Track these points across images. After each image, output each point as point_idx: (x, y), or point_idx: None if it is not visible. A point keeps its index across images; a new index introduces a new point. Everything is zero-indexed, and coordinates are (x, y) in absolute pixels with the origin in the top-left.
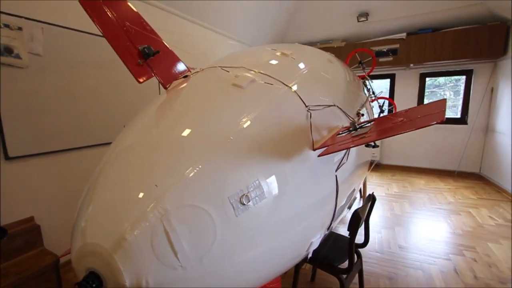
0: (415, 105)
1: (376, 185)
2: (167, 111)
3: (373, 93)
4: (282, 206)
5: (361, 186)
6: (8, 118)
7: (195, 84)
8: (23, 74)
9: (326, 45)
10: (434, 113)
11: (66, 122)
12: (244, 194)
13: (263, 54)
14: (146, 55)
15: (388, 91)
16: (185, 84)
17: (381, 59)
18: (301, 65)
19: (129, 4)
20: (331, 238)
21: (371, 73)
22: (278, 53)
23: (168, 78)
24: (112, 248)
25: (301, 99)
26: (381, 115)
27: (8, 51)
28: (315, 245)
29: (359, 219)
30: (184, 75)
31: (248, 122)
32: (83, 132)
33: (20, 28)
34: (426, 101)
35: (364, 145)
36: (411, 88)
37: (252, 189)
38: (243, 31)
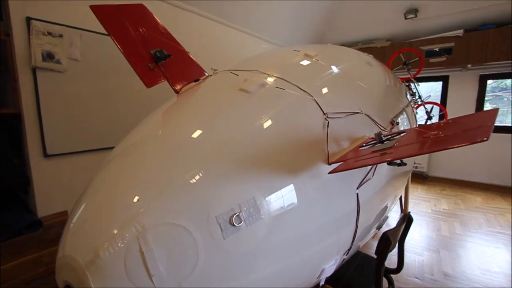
0: (473, 111)
1: (421, 199)
2: (167, 118)
3: (420, 97)
4: (283, 228)
5: (398, 199)
6: (47, 118)
7: (202, 89)
8: (62, 78)
9: (368, 46)
10: (478, 128)
11: (100, 123)
12: (235, 214)
13: (284, 56)
14: (157, 58)
15: (440, 95)
16: (192, 90)
17: (432, 60)
18: (326, 68)
19: (145, 7)
20: (357, 259)
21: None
22: (301, 55)
23: (180, 82)
24: (86, 264)
25: (319, 106)
26: (428, 122)
27: (50, 56)
28: (328, 272)
29: (388, 243)
30: (195, 79)
31: (249, 132)
32: (115, 133)
33: (61, 35)
34: (488, 107)
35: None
36: (468, 92)
37: (245, 208)
38: (278, 32)
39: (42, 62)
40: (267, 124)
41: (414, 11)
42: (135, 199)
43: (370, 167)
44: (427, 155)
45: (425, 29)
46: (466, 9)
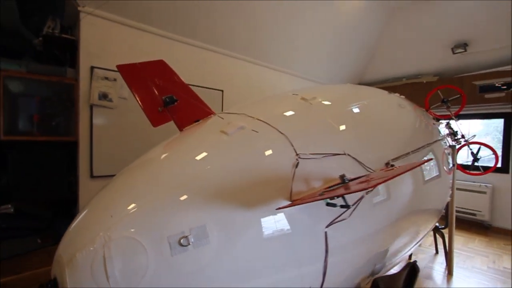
0: None
1: (477, 253)
2: (158, 152)
3: (463, 136)
4: (232, 255)
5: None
6: (97, 146)
7: (194, 129)
8: (112, 113)
9: (413, 81)
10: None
11: (139, 151)
12: (184, 236)
13: (280, 100)
14: (166, 103)
15: (502, 134)
16: (189, 129)
17: (487, 95)
18: (318, 111)
19: (164, 62)
20: None
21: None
22: (297, 98)
23: (186, 123)
24: (67, 262)
25: (293, 147)
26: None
27: (104, 96)
28: None
29: None
30: (196, 120)
31: (215, 168)
32: None
33: (115, 79)
34: None
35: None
36: None
37: (195, 232)
38: (316, 70)
39: (98, 100)
40: (234, 161)
41: (463, 45)
42: (110, 216)
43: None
44: (488, 201)
45: (478, 63)
46: None
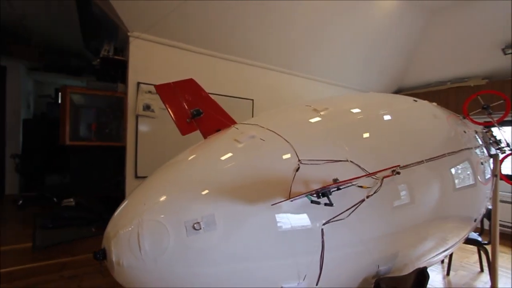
0: None
1: None
2: (185, 155)
3: (508, 145)
4: (233, 240)
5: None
6: (141, 150)
7: (214, 138)
8: (154, 122)
9: (459, 84)
10: None
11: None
12: (197, 222)
13: (292, 112)
14: (193, 115)
15: None
16: (211, 137)
17: None
18: (327, 122)
19: (194, 80)
20: None
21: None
22: (309, 110)
23: (210, 132)
24: (112, 236)
25: (296, 153)
26: None
27: (148, 107)
28: None
29: None
30: (217, 130)
31: (224, 169)
32: None
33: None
34: None
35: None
36: None
37: (205, 220)
38: (350, 77)
39: (142, 111)
40: (242, 165)
41: None
42: (144, 204)
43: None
44: None
45: None
46: None
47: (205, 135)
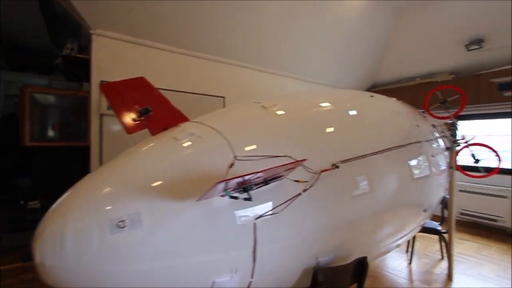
0: None
1: (489, 260)
2: (120, 156)
3: (463, 138)
4: (159, 236)
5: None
6: (106, 149)
7: (158, 136)
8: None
9: (428, 80)
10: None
11: None
12: (122, 220)
13: (240, 109)
14: (141, 114)
15: None
16: (156, 135)
17: (506, 93)
18: (273, 117)
19: (145, 78)
20: None
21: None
22: (257, 107)
23: (158, 131)
24: (38, 237)
25: (232, 150)
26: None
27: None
28: (223, 285)
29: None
30: (164, 128)
31: (156, 167)
32: None
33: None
34: None
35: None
36: None
37: (131, 217)
38: (323, 73)
39: (107, 110)
40: (176, 162)
41: (478, 41)
42: (71, 205)
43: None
44: (509, 205)
45: (495, 59)
46: None
47: (153, 133)
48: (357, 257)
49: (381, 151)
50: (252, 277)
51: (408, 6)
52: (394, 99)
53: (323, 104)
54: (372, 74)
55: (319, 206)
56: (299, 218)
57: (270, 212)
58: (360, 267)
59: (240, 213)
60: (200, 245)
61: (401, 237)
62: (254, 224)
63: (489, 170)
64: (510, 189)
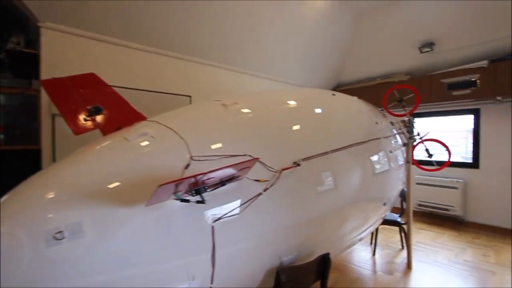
0: (509, 147)
1: (442, 247)
2: (64, 159)
3: (418, 134)
4: (106, 247)
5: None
6: (60, 153)
7: (108, 136)
8: None
9: (387, 80)
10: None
11: None
12: (59, 231)
13: (199, 107)
14: (91, 113)
15: (472, 130)
16: (107, 136)
17: (455, 93)
18: (233, 116)
19: (95, 75)
20: None
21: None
22: (217, 105)
23: (109, 131)
24: None
25: (188, 150)
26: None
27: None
28: None
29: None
30: (117, 127)
31: (102, 171)
32: None
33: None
34: None
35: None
36: (504, 126)
37: (70, 228)
38: (289, 72)
39: None
40: (125, 164)
41: (430, 44)
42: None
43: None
44: (460, 196)
45: (445, 61)
46: (489, 39)
47: (105, 134)
48: (321, 254)
49: (342, 148)
50: (212, 282)
51: (368, 9)
52: (355, 97)
53: (285, 102)
54: (336, 74)
55: (281, 205)
56: (261, 218)
57: (229, 214)
58: (323, 263)
59: (196, 216)
60: (153, 253)
61: (364, 231)
62: (212, 227)
63: (441, 164)
64: (460, 180)
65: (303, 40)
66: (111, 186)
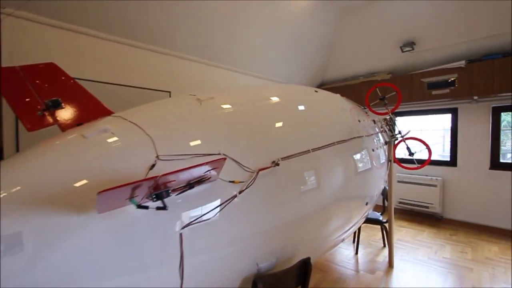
0: (487, 145)
1: (422, 245)
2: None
3: (399, 132)
4: (51, 260)
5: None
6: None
7: (60, 135)
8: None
9: (369, 79)
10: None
11: None
12: None
13: (170, 102)
14: (48, 107)
15: (450, 129)
16: (67, 131)
17: (434, 92)
18: (208, 112)
19: (55, 65)
20: None
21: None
22: (191, 99)
23: (69, 127)
24: None
25: (155, 148)
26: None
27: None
28: None
29: None
30: (78, 123)
31: (46, 175)
32: None
33: None
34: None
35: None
36: (480, 125)
37: (6, 240)
38: (273, 70)
39: None
40: (78, 165)
41: (411, 44)
42: None
43: (213, 208)
44: (439, 194)
45: (426, 61)
46: (467, 40)
47: (64, 130)
48: (301, 258)
49: (324, 146)
50: None
51: (351, 8)
52: (338, 95)
53: (265, 98)
54: (320, 72)
55: (258, 207)
56: (235, 223)
57: (199, 219)
58: (304, 268)
59: (162, 222)
60: (109, 266)
61: (347, 230)
62: (180, 234)
63: (422, 162)
64: (439, 178)
65: (287, 37)
66: (59, 190)
